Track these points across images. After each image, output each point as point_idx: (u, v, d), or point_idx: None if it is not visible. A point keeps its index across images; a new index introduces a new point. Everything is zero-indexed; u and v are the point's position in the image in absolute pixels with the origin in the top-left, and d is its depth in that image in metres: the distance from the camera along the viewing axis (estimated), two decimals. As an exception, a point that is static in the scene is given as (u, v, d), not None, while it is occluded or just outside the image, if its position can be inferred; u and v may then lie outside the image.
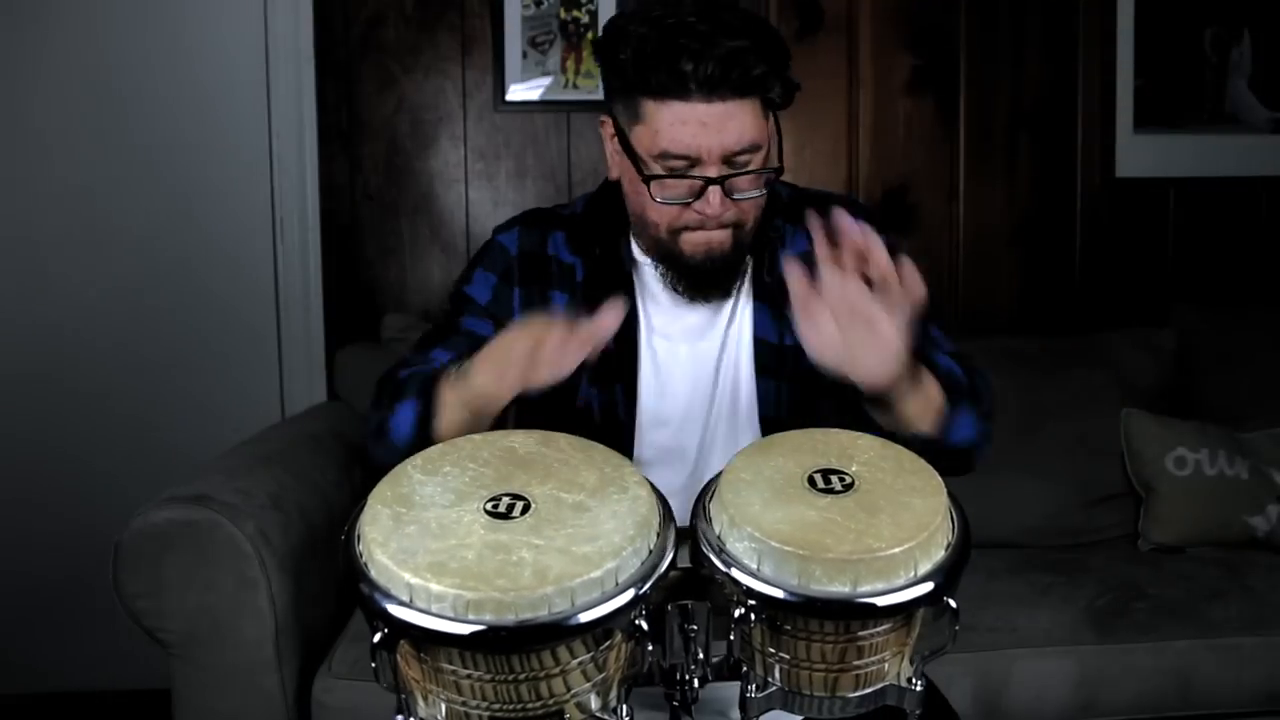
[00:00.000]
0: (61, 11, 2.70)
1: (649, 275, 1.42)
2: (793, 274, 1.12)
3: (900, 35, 2.83)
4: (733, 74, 1.22)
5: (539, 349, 1.11)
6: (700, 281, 1.36)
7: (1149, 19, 2.86)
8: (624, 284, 1.42)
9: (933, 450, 1.16)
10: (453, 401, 1.21)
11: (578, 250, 1.45)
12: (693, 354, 1.43)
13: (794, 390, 1.41)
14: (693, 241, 1.32)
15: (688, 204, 1.29)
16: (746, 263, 1.43)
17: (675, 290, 1.39)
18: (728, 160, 1.26)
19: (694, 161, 1.26)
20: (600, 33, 1.35)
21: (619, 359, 1.40)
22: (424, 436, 1.21)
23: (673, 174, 1.27)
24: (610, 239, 1.44)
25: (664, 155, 1.27)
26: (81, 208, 2.74)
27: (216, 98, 2.75)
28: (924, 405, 1.21)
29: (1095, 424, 2.50)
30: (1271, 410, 2.51)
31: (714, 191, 1.27)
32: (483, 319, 1.42)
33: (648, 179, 1.28)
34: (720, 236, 1.32)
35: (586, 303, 1.41)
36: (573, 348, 1.10)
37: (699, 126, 1.24)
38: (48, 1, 2.69)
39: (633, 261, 1.44)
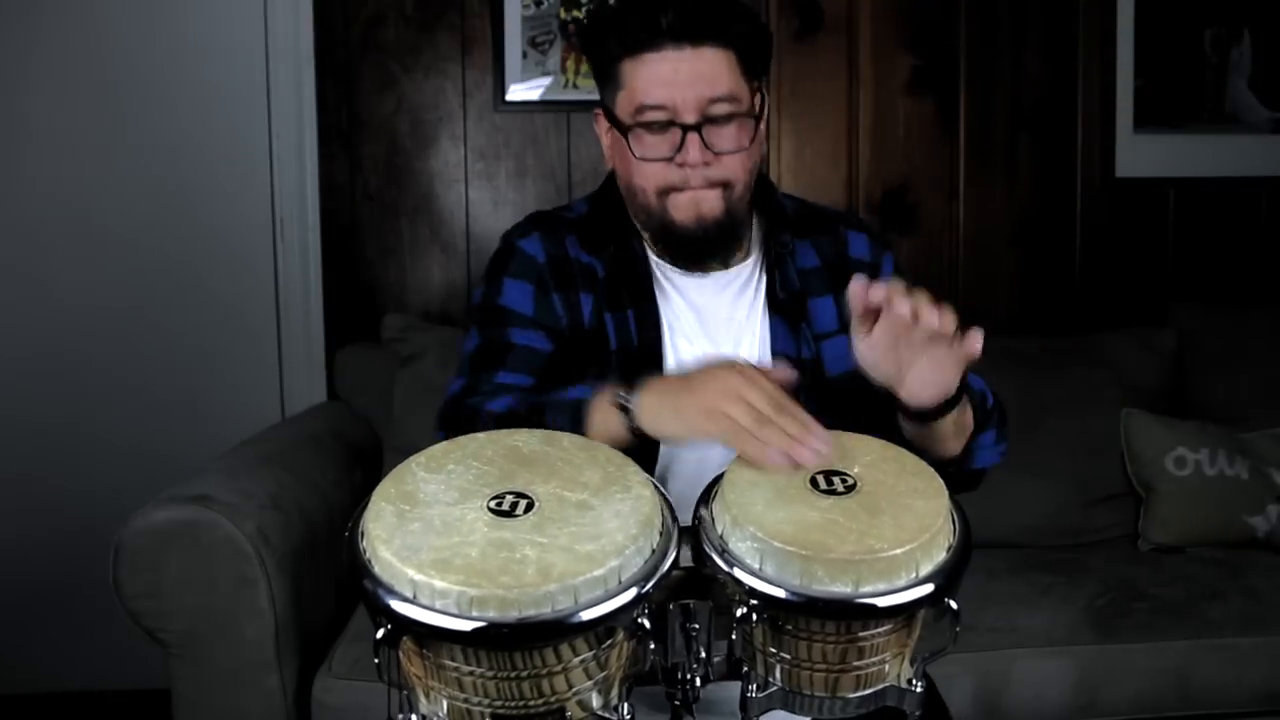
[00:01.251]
0: (61, 11, 2.69)
1: (662, 273, 1.42)
2: (855, 291, 1.11)
3: (900, 35, 2.83)
4: (697, 16, 1.26)
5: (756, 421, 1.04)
6: (695, 248, 1.36)
7: (1149, 19, 2.86)
8: (643, 282, 1.41)
9: (950, 473, 1.16)
10: (604, 435, 1.14)
11: (592, 250, 1.43)
12: (718, 355, 1.41)
13: (812, 404, 1.40)
14: (681, 205, 1.32)
15: (669, 160, 1.29)
16: (760, 276, 1.43)
17: (675, 263, 1.39)
18: (705, 110, 1.28)
19: (671, 113, 1.28)
20: (575, 22, 1.39)
21: (643, 357, 1.38)
22: None
23: (650, 127, 1.29)
24: (622, 237, 1.43)
25: (640, 109, 1.29)
26: (82, 207, 2.74)
27: (216, 98, 2.75)
28: (958, 428, 1.23)
29: (1095, 424, 2.50)
30: (1271, 410, 2.52)
31: (692, 139, 1.28)
32: (531, 330, 1.38)
33: (626, 132, 1.30)
34: (709, 199, 1.32)
35: (610, 302, 1.40)
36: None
37: (671, 75, 1.27)
38: (48, 2, 2.69)
39: (647, 261, 1.43)
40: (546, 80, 2.76)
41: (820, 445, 1.01)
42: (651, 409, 1.12)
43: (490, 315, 1.40)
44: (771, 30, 2.72)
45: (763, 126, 1.37)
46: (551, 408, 1.22)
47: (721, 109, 1.28)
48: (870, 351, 1.14)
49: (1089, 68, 2.88)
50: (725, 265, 1.41)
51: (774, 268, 1.42)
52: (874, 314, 1.12)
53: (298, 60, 2.70)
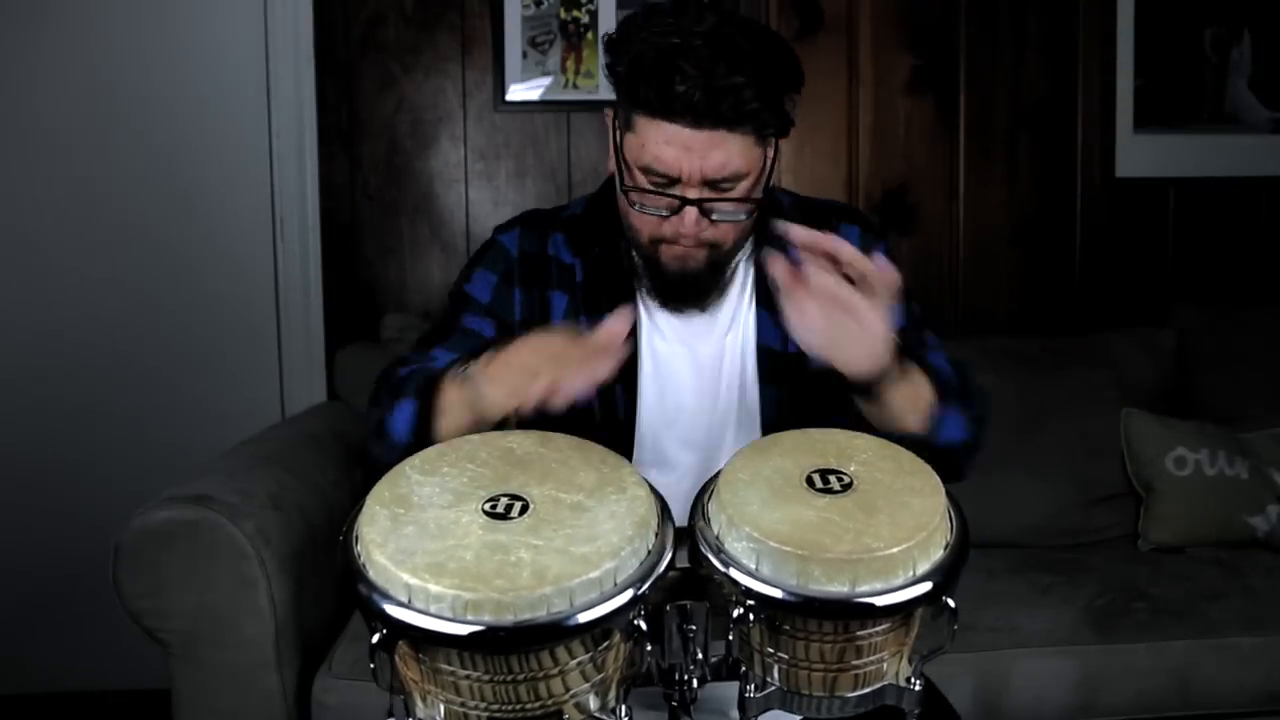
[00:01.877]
0: (61, 11, 2.69)
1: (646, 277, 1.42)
2: (776, 265, 1.12)
3: (900, 35, 2.83)
4: (722, 107, 1.21)
5: (556, 366, 1.08)
6: (673, 293, 1.37)
7: (1149, 19, 2.86)
8: (624, 285, 1.42)
9: (921, 452, 1.17)
10: (457, 404, 1.20)
11: (577, 251, 1.45)
12: (693, 356, 1.42)
13: (798, 397, 1.41)
14: (669, 254, 1.33)
15: (665, 217, 1.29)
16: (749, 272, 1.43)
17: (650, 294, 1.40)
18: (709, 183, 1.26)
19: (674, 180, 1.26)
20: (607, 31, 1.36)
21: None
22: (423, 436, 1.21)
23: (653, 189, 1.28)
24: (609, 240, 1.43)
25: (647, 169, 1.27)
26: (82, 207, 2.74)
27: (216, 97, 2.75)
28: (912, 400, 1.22)
29: (1095, 424, 2.50)
30: (1271, 410, 2.52)
31: (689, 212, 1.26)
32: (483, 318, 1.42)
33: (626, 190, 1.29)
34: (696, 255, 1.32)
35: (586, 304, 1.41)
36: (591, 366, 1.08)
37: (683, 150, 1.23)
38: (47, 2, 2.69)
39: (632, 263, 1.43)
40: (546, 80, 2.75)
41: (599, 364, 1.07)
42: (482, 377, 1.16)
43: (454, 301, 1.47)
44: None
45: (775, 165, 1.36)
46: (415, 373, 1.30)
47: (726, 186, 1.26)
48: (801, 324, 1.13)
49: (1089, 68, 2.88)
50: (702, 310, 1.40)
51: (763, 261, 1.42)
52: (798, 285, 1.12)
53: (298, 60, 2.70)
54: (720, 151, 1.23)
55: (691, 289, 1.36)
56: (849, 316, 1.11)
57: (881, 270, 1.11)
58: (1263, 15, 2.91)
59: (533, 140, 2.78)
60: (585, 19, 2.74)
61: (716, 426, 1.44)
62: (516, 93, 2.75)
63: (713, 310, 1.41)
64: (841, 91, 2.83)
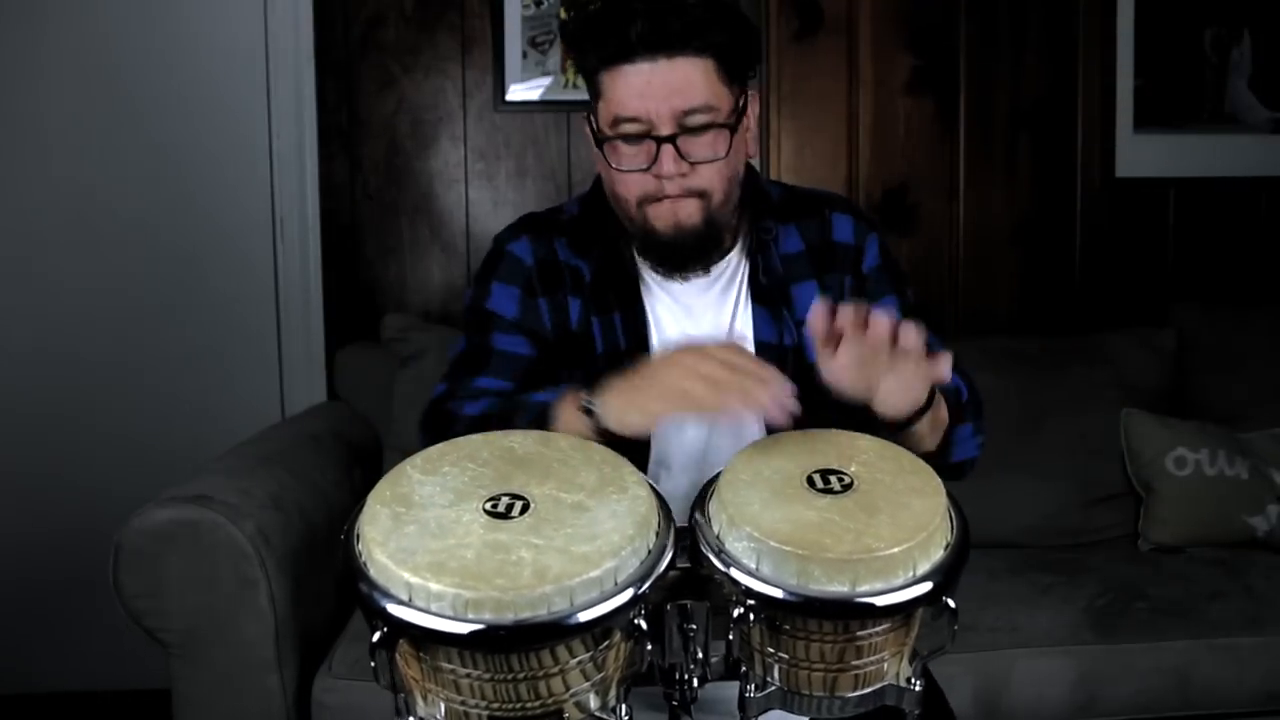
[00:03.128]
0: (61, 11, 2.69)
1: (649, 275, 1.42)
2: (815, 316, 1.11)
3: (900, 35, 2.83)
4: (670, 25, 1.23)
5: (712, 389, 1.08)
6: (674, 256, 1.36)
7: (1149, 19, 2.86)
8: (629, 285, 1.41)
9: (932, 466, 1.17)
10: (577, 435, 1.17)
11: (580, 253, 1.44)
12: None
13: (795, 391, 1.41)
14: (659, 214, 1.32)
15: (645, 170, 1.29)
16: (743, 264, 1.43)
17: (659, 271, 1.39)
18: (680, 121, 1.27)
19: (646, 125, 1.27)
20: (560, 24, 1.37)
21: (631, 358, 1.39)
22: None
23: (625, 139, 1.28)
24: (610, 240, 1.43)
25: (616, 121, 1.28)
26: (82, 207, 2.74)
27: (216, 98, 2.75)
28: (934, 426, 1.23)
29: (1095, 424, 2.50)
30: (1271, 410, 2.51)
31: (666, 151, 1.27)
32: (514, 335, 1.40)
33: (601, 143, 1.30)
34: (687, 207, 1.31)
35: (596, 305, 1.41)
36: (755, 392, 1.07)
37: (644, 86, 1.25)
38: (49, 2, 2.69)
39: (635, 262, 1.43)
40: (546, 80, 2.76)
41: (778, 392, 1.06)
42: (616, 408, 1.14)
43: (476, 319, 1.42)
44: (765, 29, 2.74)
45: (750, 129, 1.36)
46: (520, 410, 1.24)
47: (697, 119, 1.27)
48: (838, 374, 1.12)
49: (1089, 68, 2.88)
50: (706, 270, 1.39)
51: (756, 254, 1.42)
52: (837, 337, 1.11)
53: (298, 60, 2.70)
54: (682, 78, 1.25)
55: (691, 248, 1.34)
56: (891, 372, 1.11)
57: (936, 364, 1.11)
58: (1263, 15, 2.91)
59: (533, 140, 2.78)
60: (568, 24, 2.74)
61: (719, 424, 1.42)
62: (516, 93, 2.75)
63: (716, 306, 1.41)
64: (841, 91, 2.83)
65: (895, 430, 1.19)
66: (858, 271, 1.44)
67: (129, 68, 2.72)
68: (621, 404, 1.14)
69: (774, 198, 1.46)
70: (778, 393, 1.05)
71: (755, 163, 1.52)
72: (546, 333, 1.40)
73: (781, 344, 1.40)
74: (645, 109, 1.26)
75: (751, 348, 1.41)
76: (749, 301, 1.42)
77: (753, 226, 1.42)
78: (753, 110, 1.36)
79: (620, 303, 1.40)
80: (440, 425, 1.30)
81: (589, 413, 1.15)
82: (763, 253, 1.42)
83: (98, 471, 2.74)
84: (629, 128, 1.28)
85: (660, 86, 1.25)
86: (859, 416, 1.23)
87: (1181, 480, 2.37)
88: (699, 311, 1.41)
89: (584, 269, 1.43)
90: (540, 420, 1.20)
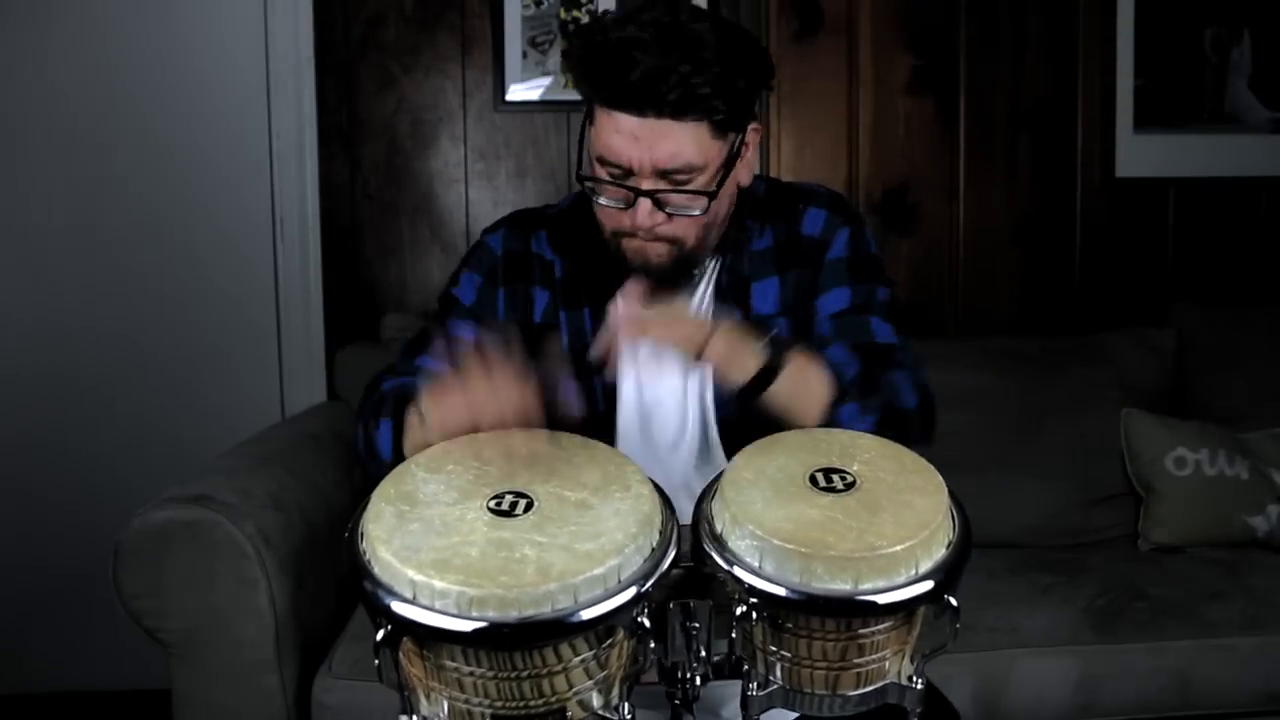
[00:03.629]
0: (61, 11, 2.69)
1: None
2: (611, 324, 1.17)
3: (900, 35, 2.83)
4: (667, 94, 1.21)
5: (489, 397, 1.06)
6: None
7: (1149, 19, 2.86)
8: (604, 282, 1.41)
9: None
10: (416, 430, 1.19)
11: (558, 248, 1.45)
12: (663, 353, 1.41)
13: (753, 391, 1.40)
14: (631, 249, 1.32)
15: (622, 209, 1.29)
16: (714, 265, 1.43)
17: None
18: (663, 175, 1.26)
19: (628, 171, 1.26)
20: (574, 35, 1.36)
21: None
22: (403, 457, 1.19)
23: (610, 180, 1.28)
24: (591, 237, 1.42)
25: (602, 160, 1.28)
26: (82, 207, 2.74)
27: (216, 98, 2.74)
28: (801, 403, 1.22)
29: (1095, 424, 2.50)
30: (1271, 410, 2.52)
31: (642, 204, 1.27)
32: (466, 321, 1.42)
33: (580, 179, 1.31)
34: (657, 249, 1.31)
35: (565, 300, 1.42)
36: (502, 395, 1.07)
37: (631, 139, 1.24)
38: (47, 3, 2.69)
39: (612, 264, 1.43)
40: (546, 80, 2.76)
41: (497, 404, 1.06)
42: (439, 417, 1.13)
43: (441, 305, 1.47)
44: (765, 29, 2.74)
45: (747, 158, 1.35)
46: (396, 389, 1.30)
47: (680, 178, 1.26)
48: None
49: (1089, 68, 2.88)
50: (668, 298, 1.38)
51: (726, 253, 1.42)
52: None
53: (298, 60, 2.70)
54: (670, 142, 1.24)
55: (656, 282, 1.33)
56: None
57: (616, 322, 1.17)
58: (1263, 15, 2.91)
59: (533, 140, 2.78)
60: (585, 19, 2.73)
61: (685, 421, 1.43)
62: (516, 93, 2.75)
63: (684, 304, 1.41)
64: (841, 91, 2.83)
65: (749, 401, 1.21)
66: (819, 264, 1.42)
67: (129, 68, 2.72)
68: (436, 404, 1.14)
69: (759, 194, 1.45)
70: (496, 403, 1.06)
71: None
72: (496, 322, 1.42)
73: None
74: (629, 159, 1.25)
75: None
76: (713, 299, 1.42)
77: (731, 225, 1.42)
78: (754, 139, 1.35)
79: (591, 299, 1.41)
80: (367, 394, 1.38)
81: (420, 417, 1.17)
82: (733, 251, 1.42)
83: (98, 471, 2.74)
84: (613, 170, 1.28)
85: (647, 143, 1.24)
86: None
87: (1181, 480, 2.37)
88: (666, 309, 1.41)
89: (557, 264, 1.44)
90: (402, 401, 1.24)
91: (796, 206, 1.44)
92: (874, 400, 1.29)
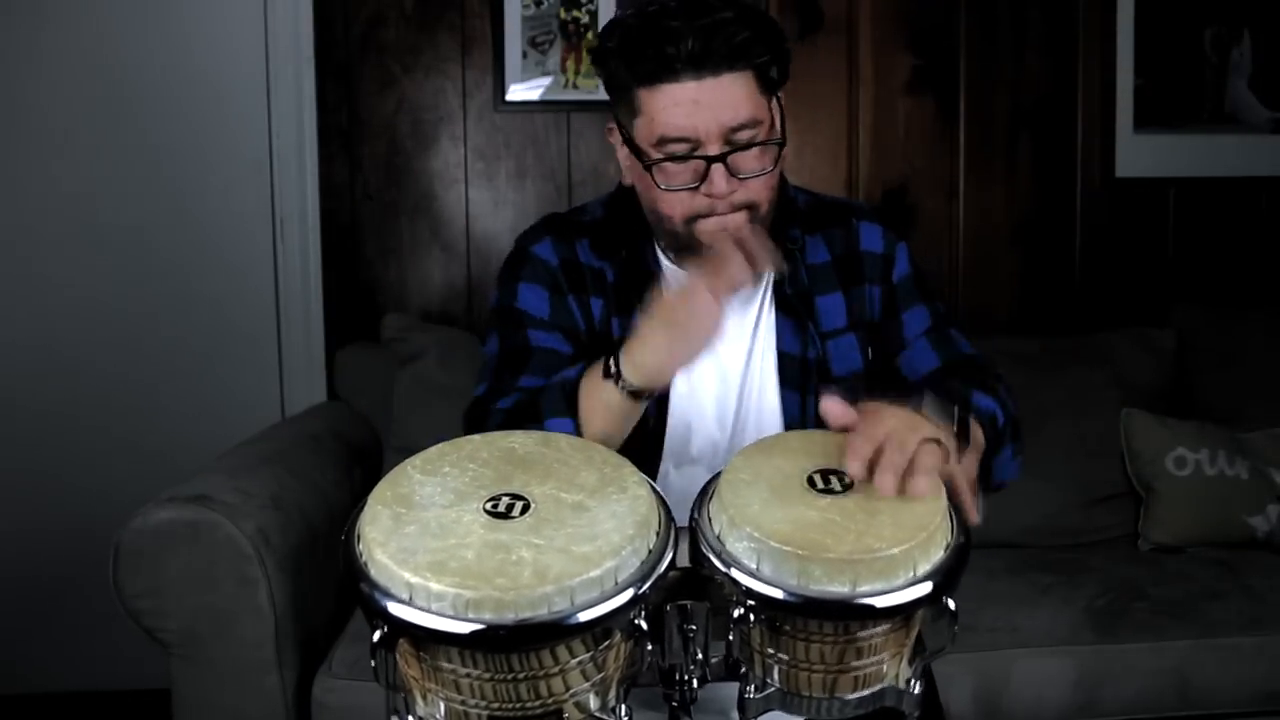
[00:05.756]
0: (60, 12, 2.70)
1: (674, 278, 1.41)
2: (829, 414, 1.07)
3: (900, 35, 2.83)
4: (715, 44, 1.22)
5: (693, 314, 1.15)
6: None
7: (1149, 19, 2.86)
8: (653, 286, 1.40)
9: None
10: (600, 407, 1.21)
11: (603, 255, 1.42)
12: (716, 360, 1.40)
13: (818, 403, 1.39)
14: (708, 230, 1.30)
15: (695, 189, 1.27)
16: (768, 275, 1.40)
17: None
18: (728, 138, 1.25)
19: (694, 143, 1.25)
20: (598, 36, 1.35)
21: None
22: None
23: (673, 158, 1.27)
24: (634, 243, 1.42)
25: (662, 141, 1.26)
26: (82, 208, 2.74)
27: (216, 98, 2.75)
28: (973, 464, 1.19)
29: (1095, 424, 2.50)
30: (1271, 410, 2.52)
31: (717, 170, 1.25)
32: (550, 333, 1.38)
33: (649, 166, 1.28)
34: (735, 220, 1.29)
35: (619, 306, 1.40)
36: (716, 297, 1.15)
37: (692, 106, 1.24)
38: (47, 2, 2.69)
39: (658, 265, 1.42)
40: (546, 80, 2.76)
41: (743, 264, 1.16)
42: (636, 365, 1.18)
43: (508, 319, 1.40)
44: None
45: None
46: (545, 394, 1.24)
47: (745, 135, 1.26)
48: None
49: (1089, 68, 2.88)
50: (755, 281, 1.37)
51: (781, 263, 1.40)
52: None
53: (298, 60, 2.70)
54: (728, 96, 1.24)
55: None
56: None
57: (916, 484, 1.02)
58: (1263, 15, 2.91)
59: (533, 140, 2.78)
60: (585, 19, 2.74)
61: (739, 431, 1.41)
62: (516, 93, 2.75)
63: (738, 311, 1.39)
64: (841, 91, 2.83)
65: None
66: (887, 281, 1.43)
67: (129, 68, 2.72)
68: (640, 359, 1.18)
69: (800, 205, 1.44)
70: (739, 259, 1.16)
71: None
72: (580, 331, 1.39)
73: (805, 356, 1.39)
74: (694, 127, 1.24)
75: (774, 358, 1.40)
76: (772, 311, 1.41)
77: (778, 236, 1.40)
78: (782, 115, 1.35)
79: (643, 303, 1.40)
80: (477, 423, 1.29)
81: (613, 375, 1.19)
82: (788, 262, 1.40)
83: (98, 471, 2.74)
84: (676, 147, 1.26)
85: (708, 105, 1.23)
86: None
87: (1181, 480, 2.37)
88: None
89: (607, 270, 1.42)
90: (568, 397, 1.22)
91: (848, 220, 1.44)
92: (1021, 442, 1.31)
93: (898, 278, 1.43)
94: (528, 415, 1.24)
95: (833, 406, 1.06)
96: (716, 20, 1.22)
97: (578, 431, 1.21)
